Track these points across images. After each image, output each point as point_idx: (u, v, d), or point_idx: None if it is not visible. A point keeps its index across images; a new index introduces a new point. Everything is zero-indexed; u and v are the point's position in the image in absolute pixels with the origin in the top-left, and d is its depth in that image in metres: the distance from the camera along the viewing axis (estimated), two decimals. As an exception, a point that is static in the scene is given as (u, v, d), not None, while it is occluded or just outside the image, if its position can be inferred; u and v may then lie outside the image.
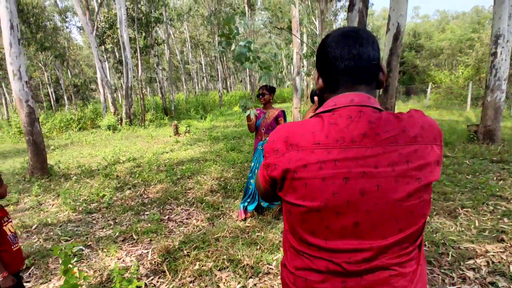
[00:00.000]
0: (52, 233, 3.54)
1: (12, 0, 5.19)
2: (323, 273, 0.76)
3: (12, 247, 1.86)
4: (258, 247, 2.88)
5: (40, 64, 26.01)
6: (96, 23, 15.56)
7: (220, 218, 3.72)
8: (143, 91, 17.02)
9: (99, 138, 11.70)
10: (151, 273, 2.60)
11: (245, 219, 3.53)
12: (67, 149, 9.70)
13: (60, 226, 3.74)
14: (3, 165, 7.61)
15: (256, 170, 3.46)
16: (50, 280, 2.61)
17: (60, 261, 2.73)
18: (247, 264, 2.60)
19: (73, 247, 2.13)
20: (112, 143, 10.32)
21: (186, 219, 3.79)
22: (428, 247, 2.74)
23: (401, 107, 17.72)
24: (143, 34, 17.13)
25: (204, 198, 4.34)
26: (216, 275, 2.50)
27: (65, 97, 28.55)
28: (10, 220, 1.90)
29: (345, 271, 0.74)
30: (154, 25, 17.15)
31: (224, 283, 2.41)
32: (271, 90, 3.51)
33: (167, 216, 3.87)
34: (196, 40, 33.10)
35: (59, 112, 18.74)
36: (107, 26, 17.11)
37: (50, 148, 9.32)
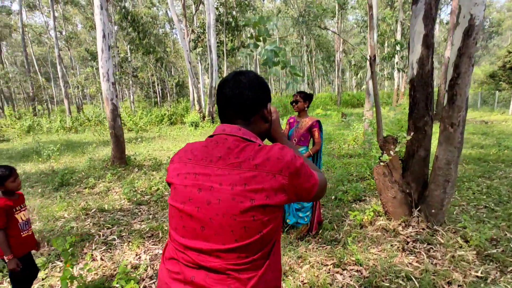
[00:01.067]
0: (102, 219, 3.97)
1: (104, 13, 6.06)
2: (180, 264, 0.90)
3: (22, 233, 2.10)
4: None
5: (150, 65, 30.31)
6: (191, 29, 17.17)
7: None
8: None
9: (181, 133, 12.88)
10: (155, 276, 2.64)
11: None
12: (153, 141, 10.95)
13: (112, 214, 4.17)
14: (101, 152, 9.03)
15: None
16: (78, 263, 2.90)
17: (93, 248, 3.02)
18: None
19: (71, 242, 2.29)
20: (191, 138, 11.20)
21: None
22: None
23: (508, 118, 14.29)
24: (231, 37, 18.12)
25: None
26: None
27: (168, 95, 32.67)
28: (24, 208, 2.15)
29: (195, 266, 0.88)
30: (242, 28, 17.96)
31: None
32: (306, 97, 3.16)
33: (199, 218, 3.92)
34: (286, 41, 33.46)
35: (156, 108, 21.38)
36: (201, 31, 18.75)
37: (138, 140, 10.68)
